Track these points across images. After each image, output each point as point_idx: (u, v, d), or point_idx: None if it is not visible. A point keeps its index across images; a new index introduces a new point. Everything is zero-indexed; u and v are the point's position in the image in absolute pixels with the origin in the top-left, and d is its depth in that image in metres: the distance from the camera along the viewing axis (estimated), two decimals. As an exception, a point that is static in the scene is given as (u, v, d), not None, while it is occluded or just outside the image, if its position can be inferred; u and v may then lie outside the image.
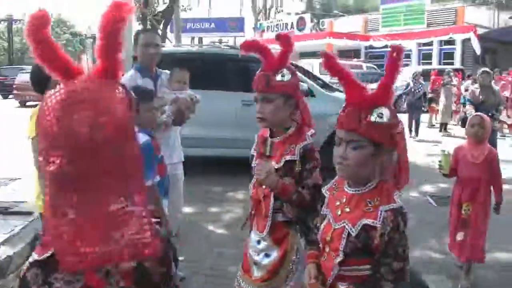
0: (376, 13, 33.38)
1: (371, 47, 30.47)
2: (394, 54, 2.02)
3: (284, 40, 2.77)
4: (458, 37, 25.69)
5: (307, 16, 34.47)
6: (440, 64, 26.83)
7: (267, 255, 2.65)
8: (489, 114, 7.88)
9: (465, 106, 11.51)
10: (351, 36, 29.80)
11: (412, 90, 13.80)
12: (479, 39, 25.18)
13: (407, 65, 28.66)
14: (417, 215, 6.27)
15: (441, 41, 27.27)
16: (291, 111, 2.73)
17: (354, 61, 27.69)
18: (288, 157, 2.60)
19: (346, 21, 34.05)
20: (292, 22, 34.04)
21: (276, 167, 2.58)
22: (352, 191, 2.08)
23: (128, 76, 4.18)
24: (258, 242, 2.68)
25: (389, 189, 2.03)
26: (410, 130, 13.35)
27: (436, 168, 4.63)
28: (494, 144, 7.24)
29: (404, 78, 22.42)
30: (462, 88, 16.40)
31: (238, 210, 6.56)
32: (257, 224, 2.70)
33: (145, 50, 4.29)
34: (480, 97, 8.67)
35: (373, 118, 1.95)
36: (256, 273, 2.68)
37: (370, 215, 1.97)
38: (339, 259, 2.01)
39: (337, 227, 2.05)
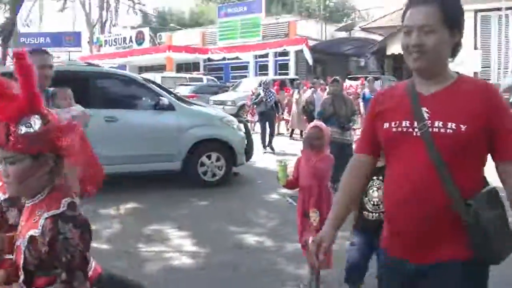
0: (213, 27, 34.00)
1: (209, 60, 30.91)
2: (16, 60, 1.86)
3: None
4: (292, 49, 27.02)
5: (146, 30, 33.99)
6: (276, 74, 28.00)
7: None
8: (342, 126, 8.16)
9: (309, 114, 12.00)
10: (190, 49, 29.99)
11: (264, 99, 13.18)
12: (310, 50, 26.72)
13: (245, 76, 29.58)
14: (281, 215, 6.55)
15: (276, 52, 28.44)
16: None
17: (195, 74, 27.90)
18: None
19: (184, 35, 34.19)
20: (130, 36, 33.36)
21: None
22: (28, 203, 1.96)
23: None
24: None
25: (58, 196, 1.90)
26: (263, 141, 13.05)
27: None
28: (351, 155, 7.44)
29: (244, 89, 23.17)
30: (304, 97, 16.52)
31: (116, 226, 6.36)
32: None
33: (40, 72, 3.98)
34: (331, 108, 8.22)
35: (21, 130, 1.81)
36: None
37: (35, 226, 1.85)
38: (21, 278, 1.89)
39: (18, 243, 1.92)
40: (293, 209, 6.90)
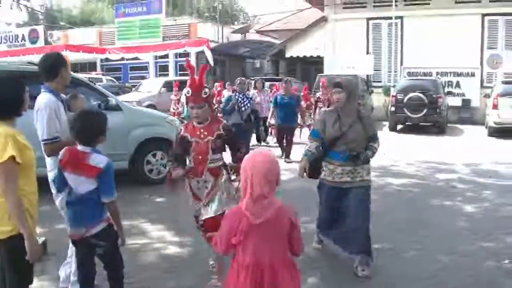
0: (109, 26, 33.43)
1: (107, 59, 30.38)
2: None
3: None
4: (193, 50, 27.28)
5: (40, 28, 32.63)
6: (176, 75, 28.17)
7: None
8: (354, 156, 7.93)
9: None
10: (87, 48, 29.29)
11: (237, 106, 10.20)
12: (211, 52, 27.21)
13: (144, 77, 29.47)
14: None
15: (176, 53, 28.60)
16: None
17: (94, 74, 27.38)
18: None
19: (79, 34, 33.24)
20: (23, 34, 31.87)
21: None
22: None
23: (51, 99, 4.22)
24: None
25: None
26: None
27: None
28: None
29: (147, 89, 23.22)
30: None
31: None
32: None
33: (67, 75, 4.38)
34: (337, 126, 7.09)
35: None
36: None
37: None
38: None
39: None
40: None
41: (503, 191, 8.61)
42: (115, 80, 27.87)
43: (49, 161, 4.25)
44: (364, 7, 23.89)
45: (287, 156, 11.51)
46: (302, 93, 16.08)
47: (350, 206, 4.96)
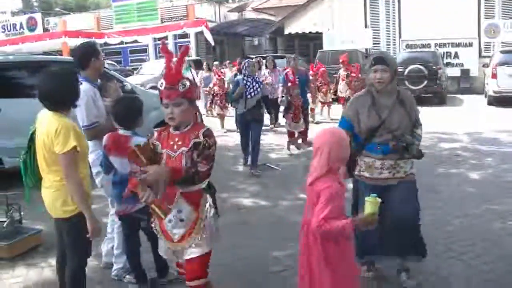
0: (106, 11, 33.48)
1: (106, 44, 30.45)
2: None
3: None
4: (192, 31, 27.40)
5: (38, 16, 32.64)
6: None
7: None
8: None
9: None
10: (86, 34, 29.37)
11: (246, 92, 9.10)
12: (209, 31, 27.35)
13: (144, 60, 29.63)
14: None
15: (175, 35, 28.72)
16: None
17: (94, 59, 27.47)
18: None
19: (77, 19, 33.27)
20: (21, 22, 31.90)
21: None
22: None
23: (87, 86, 4.42)
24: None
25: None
26: (246, 156, 9.42)
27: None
28: None
29: (148, 71, 23.44)
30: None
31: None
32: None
33: (99, 64, 4.70)
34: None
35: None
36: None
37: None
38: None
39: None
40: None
41: (505, 158, 9.00)
42: (115, 64, 28.03)
43: (90, 144, 4.60)
44: (362, -20, 24.09)
45: (304, 139, 10.55)
46: (311, 72, 14.26)
47: (394, 207, 3.92)
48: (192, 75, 12.26)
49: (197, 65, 21.53)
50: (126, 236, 4.22)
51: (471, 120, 13.84)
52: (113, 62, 27.96)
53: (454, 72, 21.85)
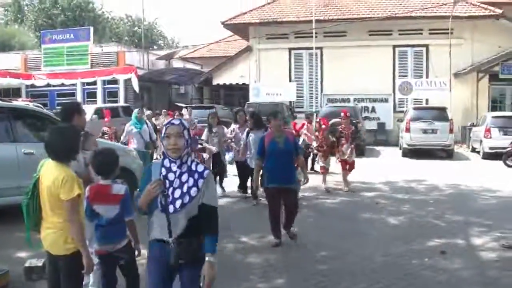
0: (36, 52, 33.23)
1: (32, 85, 30.18)
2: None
3: None
4: (121, 77, 27.81)
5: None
6: (104, 102, 28.41)
7: None
8: None
9: None
10: (14, 74, 29.06)
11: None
12: (138, 78, 27.82)
13: (71, 103, 29.43)
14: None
15: (104, 80, 28.97)
16: None
17: (20, 101, 27.10)
18: None
19: (3, 58, 32.70)
20: None
21: None
22: None
23: None
24: None
25: None
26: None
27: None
28: None
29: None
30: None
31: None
32: None
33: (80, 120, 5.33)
34: None
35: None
36: None
37: None
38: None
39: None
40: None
41: (418, 205, 10.17)
42: (42, 106, 27.76)
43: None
44: (287, 38, 25.75)
45: (288, 228, 7.31)
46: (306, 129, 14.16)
47: None
48: (148, 128, 12.25)
49: (126, 111, 21.96)
50: (104, 273, 4.69)
51: (387, 170, 15.16)
52: (39, 105, 27.61)
53: (372, 125, 23.65)
